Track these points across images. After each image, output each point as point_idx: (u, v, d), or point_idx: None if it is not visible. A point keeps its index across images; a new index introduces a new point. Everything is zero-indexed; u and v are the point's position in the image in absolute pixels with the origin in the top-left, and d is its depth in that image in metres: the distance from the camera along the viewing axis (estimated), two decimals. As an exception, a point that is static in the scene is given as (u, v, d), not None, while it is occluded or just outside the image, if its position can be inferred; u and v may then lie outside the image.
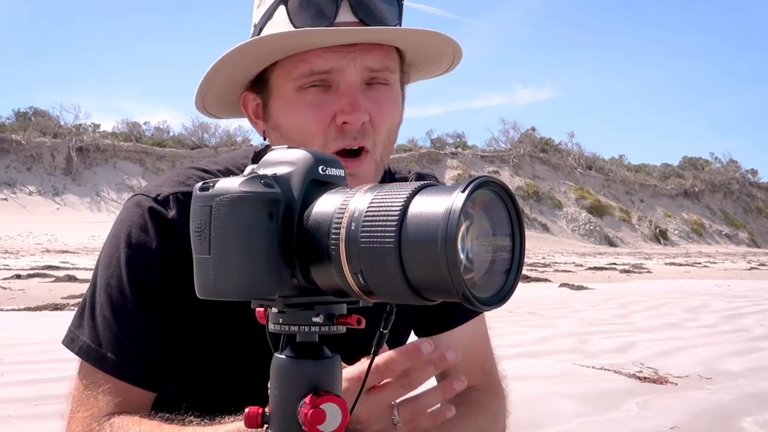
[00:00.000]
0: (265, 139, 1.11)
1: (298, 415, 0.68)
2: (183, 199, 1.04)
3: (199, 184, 0.71)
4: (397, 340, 1.25)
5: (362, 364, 0.89)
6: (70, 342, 1.03)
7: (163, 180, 1.09)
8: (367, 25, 1.00)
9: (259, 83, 1.07)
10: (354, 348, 0.99)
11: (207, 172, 1.09)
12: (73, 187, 39.53)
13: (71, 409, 1.01)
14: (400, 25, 1.05)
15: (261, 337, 0.84)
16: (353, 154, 1.03)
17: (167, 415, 0.98)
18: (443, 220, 0.57)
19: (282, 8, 1.00)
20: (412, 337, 1.32)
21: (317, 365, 0.71)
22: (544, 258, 25.40)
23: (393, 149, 1.12)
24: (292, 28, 0.99)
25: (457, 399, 1.23)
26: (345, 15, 1.00)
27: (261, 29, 1.04)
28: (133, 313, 1.00)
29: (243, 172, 0.72)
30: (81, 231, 30.19)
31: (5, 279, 11.25)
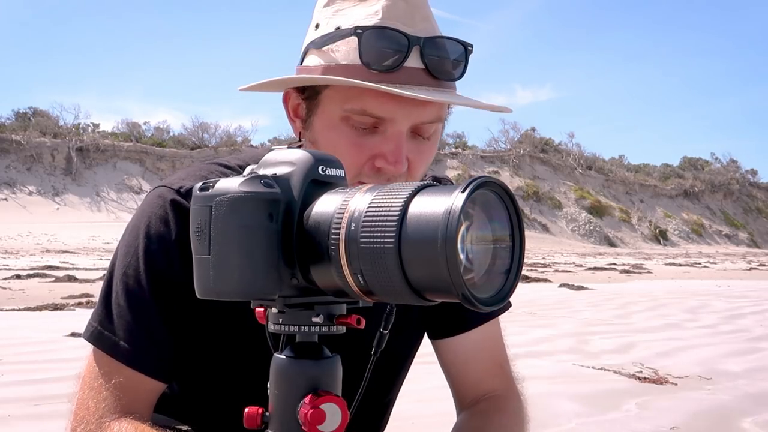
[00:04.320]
0: (300, 139, 1.10)
1: (298, 416, 0.68)
2: None
3: (199, 184, 0.72)
4: (406, 342, 1.25)
5: None
6: (86, 332, 1.03)
7: (185, 173, 1.09)
8: (431, 75, 0.99)
9: (309, 89, 1.05)
10: (354, 348, 0.99)
11: (229, 168, 1.09)
12: (73, 187, 39.48)
13: (80, 396, 1.01)
14: (465, 67, 1.04)
15: (261, 337, 0.84)
16: None
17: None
18: (443, 221, 0.57)
19: (354, 38, 0.98)
20: (425, 342, 1.31)
21: (317, 365, 0.71)
22: (544, 258, 25.40)
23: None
24: (358, 61, 0.97)
25: (486, 406, 1.23)
26: (413, 60, 0.98)
27: (323, 45, 1.02)
28: (148, 303, 1.00)
29: None
30: (81, 231, 30.18)
31: (5, 279, 11.23)
